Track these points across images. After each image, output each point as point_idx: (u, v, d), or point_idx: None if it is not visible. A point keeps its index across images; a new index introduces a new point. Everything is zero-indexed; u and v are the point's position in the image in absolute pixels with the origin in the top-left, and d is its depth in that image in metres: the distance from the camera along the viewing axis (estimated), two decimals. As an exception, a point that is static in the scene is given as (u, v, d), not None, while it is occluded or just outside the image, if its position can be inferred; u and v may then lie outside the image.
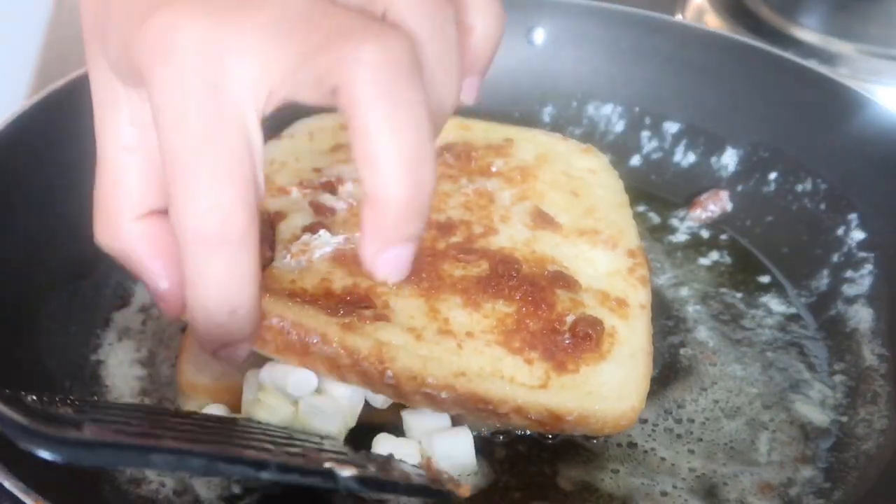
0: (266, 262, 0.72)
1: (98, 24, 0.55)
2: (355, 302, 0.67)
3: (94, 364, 0.77)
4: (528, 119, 1.05)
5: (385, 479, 0.51)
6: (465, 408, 0.65)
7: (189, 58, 0.48)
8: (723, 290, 0.87)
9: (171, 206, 0.50)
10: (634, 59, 1.03)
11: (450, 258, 0.72)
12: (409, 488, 0.53)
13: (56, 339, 0.76)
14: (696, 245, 0.93)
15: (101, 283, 0.83)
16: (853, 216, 0.88)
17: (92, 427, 0.47)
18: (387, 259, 0.52)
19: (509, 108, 1.05)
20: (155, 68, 0.49)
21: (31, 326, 0.74)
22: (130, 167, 0.57)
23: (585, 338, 0.67)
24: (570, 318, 0.69)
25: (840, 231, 0.88)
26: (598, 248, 0.77)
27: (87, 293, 0.81)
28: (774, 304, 0.86)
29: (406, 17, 0.50)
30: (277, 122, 0.91)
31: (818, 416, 0.75)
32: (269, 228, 0.76)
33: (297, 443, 0.56)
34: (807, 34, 1.18)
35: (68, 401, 0.53)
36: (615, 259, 0.77)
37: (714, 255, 0.92)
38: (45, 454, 0.43)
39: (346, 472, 0.48)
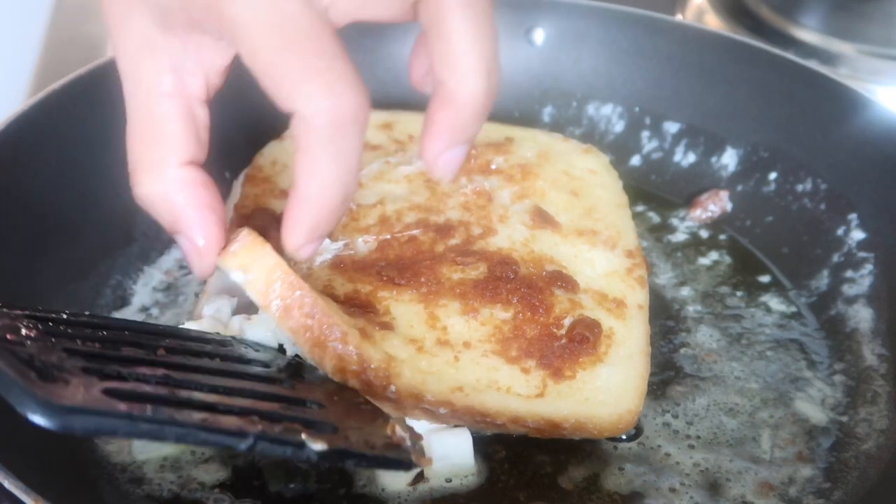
0: None
1: None
2: (360, 307, 0.67)
3: (94, 364, 0.77)
4: (528, 119, 1.05)
5: (351, 451, 0.53)
6: (463, 420, 0.65)
7: None
8: (723, 289, 0.87)
9: (298, 99, 0.51)
10: (634, 59, 1.03)
11: (448, 261, 0.72)
12: (373, 459, 0.55)
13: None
14: (696, 245, 0.93)
15: (100, 283, 0.83)
16: (853, 216, 0.88)
17: (83, 382, 0.48)
18: (448, 158, 0.56)
19: (509, 108, 1.05)
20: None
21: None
22: (172, 113, 0.59)
23: (583, 341, 0.68)
24: (567, 321, 0.69)
25: (840, 231, 0.88)
26: (597, 248, 0.77)
27: (87, 293, 0.81)
28: (774, 303, 0.86)
29: None
30: (279, 123, 0.91)
31: (818, 415, 0.75)
32: (276, 224, 0.76)
33: (275, 392, 0.57)
34: (807, 34, 1.18)
35: (58, 329, 0.54)
36: (614, 259, 0.77)
37: (714, 255, 0.92)
38: (36, 419, 0.44)
39: (317, 445, 0.51)
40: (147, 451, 0.68)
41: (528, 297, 0.69)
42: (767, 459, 0.71)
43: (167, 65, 0.57)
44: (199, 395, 0.53)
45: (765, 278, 0.89)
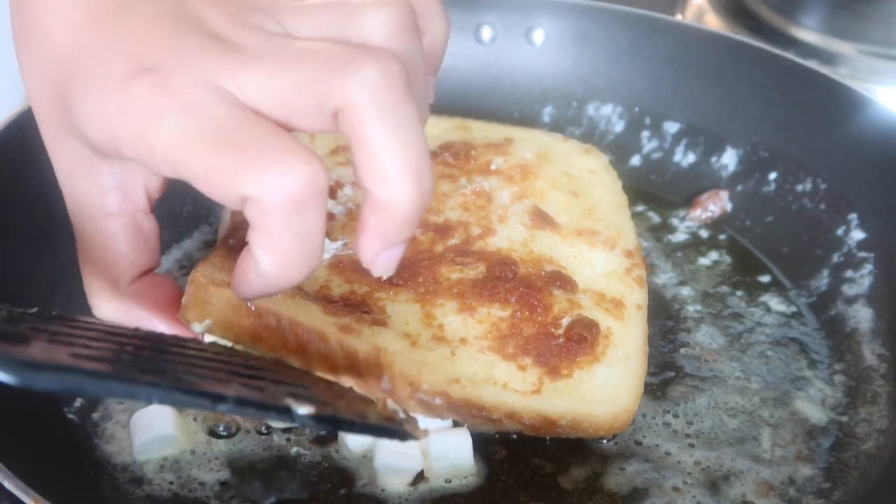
0: None
1: (56, 104, 0.55)
2: (354, 306, 0.67)
3: (94, 364, 0.77)
4: (528, 119, 1.05)
5: (341, 416, 0.52)
6: (459, 414, 0.65)
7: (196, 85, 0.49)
8: (723, 289, 0.87)
9: (245, 184, 0.49)
10: (634, 59, 1.03)
11: (447, 261, 0.73)
12: (365, 426, 0.54)
13: (56, 339, 0.76)
14: (696, 245, 0.93)
15: (101, 284, 0.83)
16: (853, 216, 0.88)
17: (46, 346, 0.46)
18: (386, 258, 0.54)
19: (509, 107, 1.05)
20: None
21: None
22: (118, 233, 0.59)
23: (580, 340, 0.68)
24: (565, 321, 0.69)
25: (840, 231, 0.88)
26: (596, 248, 0.77)
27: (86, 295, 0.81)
28: (774, 302, 0.86)
29: (384, 42, 0.52)
30: None
31: (818, 415, 0.75)
32: None
33: (258, 374, 0.56)
34: (807, 34, 1.18)
35: (26, 316, 0.51)
36: (613, 259, 0.77)
37: (714, 255, 0.92)
38: None
39: (304, 409, 0.49)
40: (148, 452, 0.68)
41: (526, 296, 0.69)
42: (768, 459, 0.71)
43: (107, 185, 0.57)
44: (176, 365, 0.51)
45: (765, 278, 0.89)
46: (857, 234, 0.87)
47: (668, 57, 1.01)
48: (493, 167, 0.85)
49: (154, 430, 0.68)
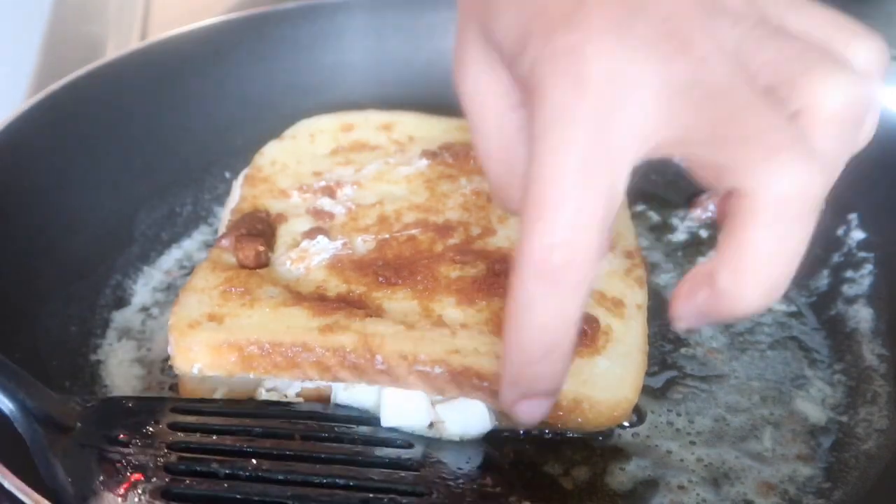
0: (263, 262, 0.73)
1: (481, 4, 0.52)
2: (349, 304, 0.68)
3: (94, 364, 0.77)
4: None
5: None
6: (460, 386, 0.64)
7: (591, 91, 0.46)
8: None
9: (522, 226, 0.48)
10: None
11: (447, 260, 0.73)
12: None
13: (56, 339, 0.76)
14: (697, 244, 0.93)
15: (100, 283, 0.83)
16: (853, 216, 0.88)
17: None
18: (692, 314, 0.52)
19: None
20: (552, 89, 0.47)
21: (32, 327, 0.74)
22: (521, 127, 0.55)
23: (580, 333, 0.67)
24: None
25: (840, 231, 0.88)
26: None
27: (87, 293, 0.81)
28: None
29: (820, 134, 0.49)
30: (279, 123, 0.92)
31: (818, 415, 0.75)
32: (268, 228, 0.76)
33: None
34: None
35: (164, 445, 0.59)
36: (613, 260, 0.77)
37: (714, 255, 0.91)
38: None
39: None
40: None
41: None
42: (769, 457, 0.71)
43: (509, 82, 0.54)
44: None
45: (764, 278, 0.89)
46: (857, 234, 0.87)
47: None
48: None
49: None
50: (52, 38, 1.17)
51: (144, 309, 0.83)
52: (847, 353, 0.80)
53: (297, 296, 0.69)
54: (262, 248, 0.73)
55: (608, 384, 0.66)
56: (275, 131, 0.90)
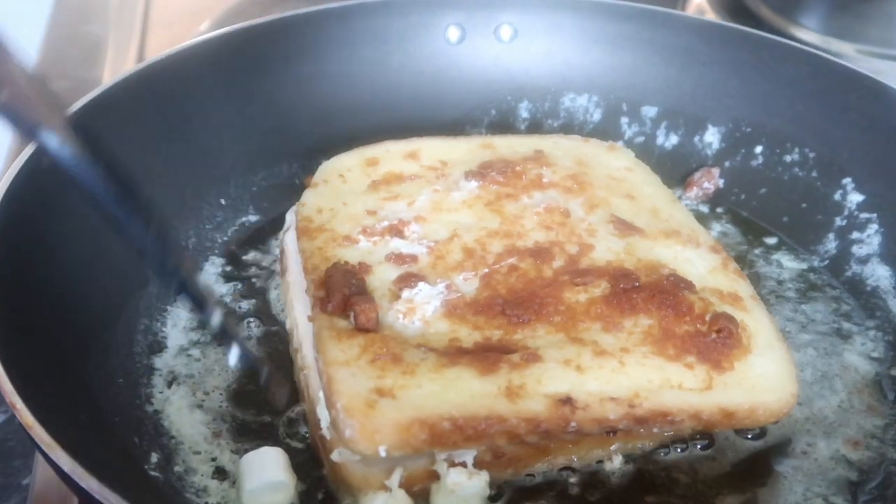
0: (374, 320, 0.68)
1: None
2: (494, 351, 0.65)
3: (153, 415, 0.72)
4: (505, 116, 1.06)
5: None
6: (643, 429, 0.65)
7: None
8: (741, 249, 0.92)
9: None
10: (605, 48, 1.04)
11: (567, 285, 0.71)
12: None
13: (109, 393, 0.71)
14: (701, 220, 0.93)
15: (130, 330, 0.78)
16: (847, 180, 0.92)
17: None
18: None
19: (486, 106, 1.05)
20: None
21: (84, 385, 0.69)
22: None
23: (729, 334, 0.68)
24: (708, 318, 0.69)
25: (837, 196, 0.92)
26: (687, 247, 0.77)
27: (121, 341, 0.76)
28: (786, 260, 0.91)
29: None
30: (346, 131, 0.93)
31: (867, 367, 0.79)
32: (361, 282, 0.70)
33: None
34: (807, 34, 1.21)
35: None
36: (706, 256, 0.77)
37: (719, 227, 0.95)
38: None
39: None
40: (258, 498, 0.65)
41: (664, 301, 0.69)
42: (845, 409, 0.76)
43: None
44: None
45: (772, 240, 0.93)
46: (855, 197, 0.91)
47: (639, 43, 1.03)
48: (545, 180, 0.83)
49: (265, 476, 0.65)
50: (52, 38, 1.13)
51: (183, 350, 0.78)
52: (876, 309, 0.85)
53: (443, 353, 0.65)
54: (379, 309, 0.68)
55: (772, 385, 0.67)
56: (342, 139, 0.90)
